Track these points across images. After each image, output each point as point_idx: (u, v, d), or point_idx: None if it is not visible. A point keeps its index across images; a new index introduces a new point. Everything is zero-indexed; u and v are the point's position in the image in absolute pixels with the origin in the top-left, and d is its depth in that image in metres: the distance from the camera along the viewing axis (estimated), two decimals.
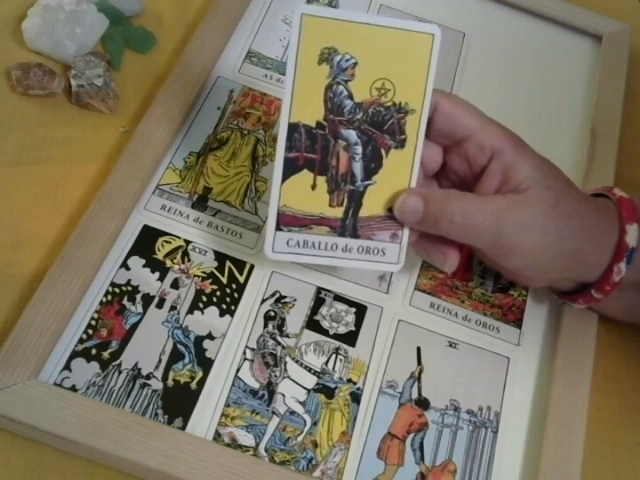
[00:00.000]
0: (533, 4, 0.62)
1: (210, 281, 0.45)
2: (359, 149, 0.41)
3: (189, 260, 0.45)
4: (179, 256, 0.45)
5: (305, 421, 0.41)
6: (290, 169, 0.40)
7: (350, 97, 0.40)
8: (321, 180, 0.41)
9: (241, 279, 0.45)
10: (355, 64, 0.40)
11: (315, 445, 0.41)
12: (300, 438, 0.41)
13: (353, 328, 0.45)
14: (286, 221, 0.41)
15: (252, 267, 0.46)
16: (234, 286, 0.45)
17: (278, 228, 0.41)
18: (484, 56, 0.60)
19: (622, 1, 0.66)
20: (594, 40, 0.62)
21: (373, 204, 0.42)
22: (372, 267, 0.43)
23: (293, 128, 0.40)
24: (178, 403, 0.40)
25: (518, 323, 0.47)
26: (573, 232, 0.41)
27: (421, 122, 0.41)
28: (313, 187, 0.41)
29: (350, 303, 0.46)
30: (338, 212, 0.41)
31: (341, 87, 0.40)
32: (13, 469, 0.38)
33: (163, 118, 0.49)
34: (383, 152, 0.41)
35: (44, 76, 0.49)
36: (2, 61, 0.51)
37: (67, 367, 0.40)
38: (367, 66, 0.40)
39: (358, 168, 0.41)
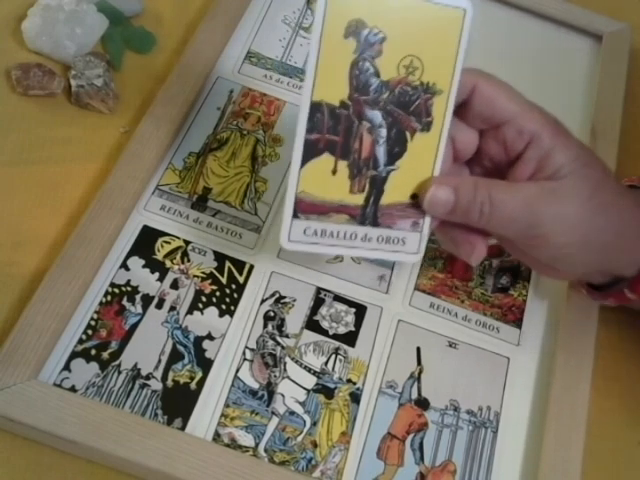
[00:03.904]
0: (533, 4, 0.62)
1: (210, 281, 0.45)
2: (383, 132, 0.38)
3: (189, 260, 0.45)
4: (179, 256, 0.45)
5: (305, 421, 0.41)
6: (310, 152, 0.37)
7: (377, 75, 0.37)
8: (342, 165, 0.38)
9: (241, 279, 0.45)
10: (383, 39, 0.37)
11: (315, 445, 0.41)
12: (300, 438, 0.41)
13: (353, 328, 0.45)
14: (304, 208, 0.38)
15: (252, 267, 0.46)
16: (234, 286, 0.45)
17: (295, 215, 0.38)
18: (484, 56, 0.60)
19: (622, 1, 0.66)
20: (594, 40, 0.62)
21: (395, 191, 0.39)
22: (392, 257, 0.41)
23: (315, 107, 0.36)
24: (178, 403, 0.40)
25: (518, 323, 0.47)
26: (609, 224, 0.39)
27: (449, 104, 0.38)
28: (334, 172, 0.38)
29: (350, 303, 0.46)
30: (359, 199, 0.39)
31: (367, 64, 0.37)
32: (13, 469, 0.38)
33: (163, 118, 0.49)
34: (408, 135, 0.38)
35: (44, 76, 0.49)
36: (2, 61, 0.51)
37: (67, 367, 0.40)
38: (395, 42, 0.37)
39: (381, 152, 0.38)
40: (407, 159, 0.39)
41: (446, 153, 0.39)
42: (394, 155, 0.39)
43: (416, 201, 0.39)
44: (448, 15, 0.37)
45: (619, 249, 0.41)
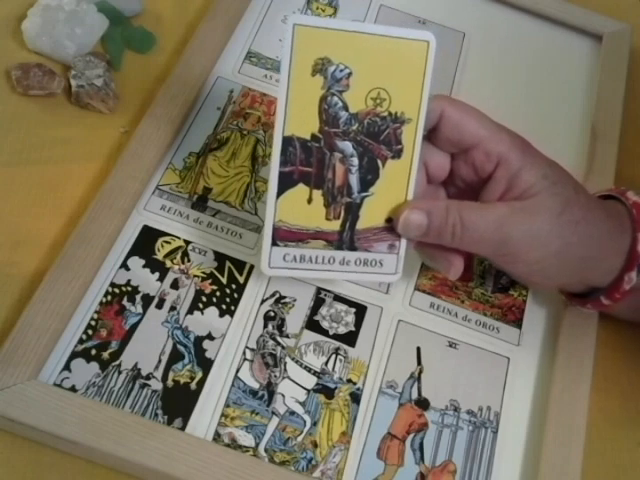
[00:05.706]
0: (533, 4, 0.62)
1: (210, 281, 0.45)
2: (355, 161, 0.40)
3: (189, 260, 0.45)
4: (179, 256, 0.45)
5: (305, 421, 0.41)
6: (285, 184, 0.39)
7: (345, 108, 0.39)
8: (317, 194, 0.40)
9: (241, 279, 0.45)
10: (349, 74, 0.39)
11: (315, 445, 0.41)
12: (300, 438, 0.41)
13: (353, 328, 0.45)
14: (282, 236, 0.40)
15: (252, 267, 0.46)
16: (234, 286, 0.45)
17: (274, 243, 0.40)
18: (484, 56, 0.60)
19: (622, 1, 0.66)
20: (594, 40, 0.62)
21: (370, 216, 0.41)
22: (370, 279, 0.43)
23: (287, 142, 0.39)
24: (178, 403, 0.40)
25: (518, 323, 0.47)
26: (580, 240, 0.40)
27: (417, 131, 0.40)
28: (309, 201, 0.40)
29: (350, 303, 0.46)
30: (335, 225, 0.41)
31: (336, 98, 0.39)
32: (13, 469, 0.38)
33: (163, 118, 0.49)
34: (380, 163, 0.40)
35: (44, 76, 0.49)
36: (2, 61, 0.51)
37: (67, 367, 0.40)
38: (362, 76, 0.39)
39: (354, 180, 0.40)
40: (381, 185, 0.41)
41: (419, 177, 0.41)
42: (367, 182, 0.40)
43: (391, 225, 0.41)
44: (412, 48, 0.39)
45: (592, 262, 0.42)
